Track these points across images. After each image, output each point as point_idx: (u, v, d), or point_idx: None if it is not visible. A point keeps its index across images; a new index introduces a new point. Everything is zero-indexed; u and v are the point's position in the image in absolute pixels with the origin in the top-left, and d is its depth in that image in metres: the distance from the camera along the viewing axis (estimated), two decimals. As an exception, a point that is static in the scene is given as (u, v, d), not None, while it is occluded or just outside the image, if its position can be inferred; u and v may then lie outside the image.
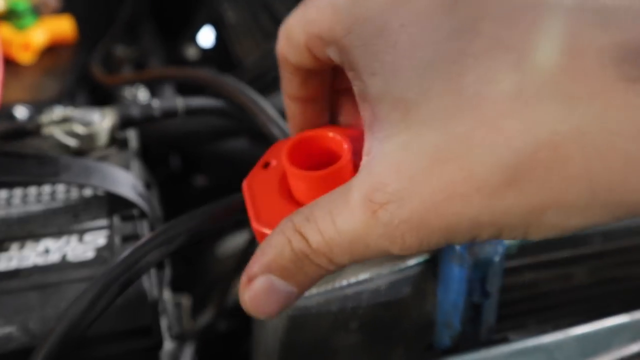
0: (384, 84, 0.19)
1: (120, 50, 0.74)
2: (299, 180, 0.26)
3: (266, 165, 0.28)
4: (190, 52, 0.89)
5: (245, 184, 0.27)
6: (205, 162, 0.77)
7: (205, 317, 0.60)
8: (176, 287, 0.58)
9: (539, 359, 0.29)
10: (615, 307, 0.37)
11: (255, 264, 0.21)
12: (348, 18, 0.20)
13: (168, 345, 0.50)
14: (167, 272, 0.39)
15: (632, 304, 0.35)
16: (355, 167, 0.27)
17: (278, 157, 0.28)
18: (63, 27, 0.72)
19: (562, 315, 0.38)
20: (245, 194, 0.27)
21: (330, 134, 0.28)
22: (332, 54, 0.22)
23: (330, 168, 0.25)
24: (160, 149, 0.72)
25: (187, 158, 0.77)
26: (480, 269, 0.28)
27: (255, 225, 0.25)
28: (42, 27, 0.71)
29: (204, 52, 0.96)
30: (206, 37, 1.03)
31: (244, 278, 0.22)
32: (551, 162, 0.15)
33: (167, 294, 0.43)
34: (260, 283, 0.21)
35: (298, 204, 0.27)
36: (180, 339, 0.54)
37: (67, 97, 0.62)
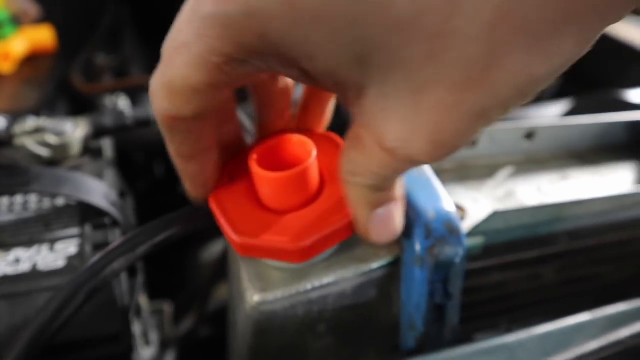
0: (325, 60, 0.20)
1: (101, 59, 0.74)
2: (268, 184, 0.27)
3: (230, 179, 0.29)
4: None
5: (211, 200, 0.28)
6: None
7: (187, 324, 0.61)
8: (158, 294, 0.58)
9: (501, 358, 0.29)
10: (584, 306, 0.38)
11: (357, 215, 0.25)
12: (270, 15, 0.19)
13: (147, 351, 0.50)
14: (140, 278, 0.40)
15: (600, 303, 0.36)
16: (320, 175, 0.28)
17: (238, 170, 0.29)
18: (43, 36, 0.73)
19: (531, 315, 0.39)
20: (215, 210, 0.27)
21: (295, 138, 0.28)
22: (252, 66, 0.21)
23: (297, 168, 0.26)
24: (144, 158, 0.72)
25: (172, 166, 0.78)
26: (441, 271, 0.29)
27: (234, 238, 0.26)
28: (21, 37, 0.71)
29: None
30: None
31: (359, 230, 0.26)
32: (512, 22, 0.17)
33: (143, 301, 0.44)
34: (373, 223, 0.25)
35: (269, 209, 0.27)
36: (162, 345, 0.54)
37: (46, 107, 0.63)
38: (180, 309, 0.63)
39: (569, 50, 0.17)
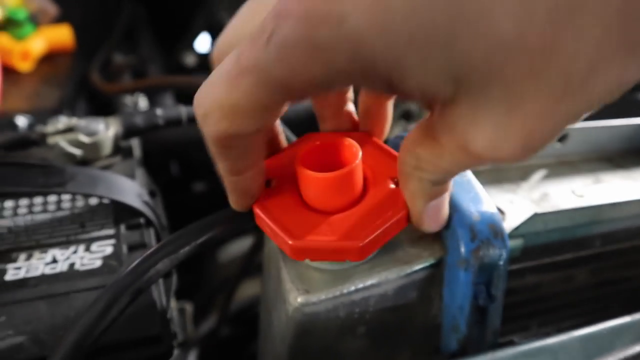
0: (419, 81, 0.20)
1: (119, 58, 0.74)
2: (317, 185, 0.27)
3: (267, 184, 0.29)
4: (189, 59, 0.90)
5: (256, 208, 0.28)
6: (204, 168, 0.78)
7: (208, 324, 0.61)
8: (178, 294, 0.58)
9: (544, 361, 0.29)
10: (616, 308, 0.38)
11: (413, 207, 0.26)
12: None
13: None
14: (174, 280, 0.39)
15: (633, 305, 0.36)
16: (365, 177, 0.28)
17: (277, 173, 0.29)
18: (61, 35, 0.72)
19: (563, 317, 0.39)
20: (261, 215, 0.27)
21: (341, 139, 0.28)
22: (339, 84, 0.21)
23: (346, 168, 0.26)
24: (161, 157, 0.72)
25: (187, 165, 0.78)
26: (485, 273, 0.28)
27: (289, 241, 0.26)
28: (40, 36, 0.71)
29: (202, 58, 0.96)
30: (203, 43, 1.04)
31: (414, 220, 0.27)
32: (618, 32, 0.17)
33: (173, 302, 0.44)
34: (427, 214, 0.26)
35: (315, 211, 0.27)
36: (184, 345, 0.54)
37: (67, 106, 0.63)
38: (199, 309, 0.63)
39: None
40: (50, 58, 0.72)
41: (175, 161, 0.78)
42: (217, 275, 0.70)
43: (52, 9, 0.75)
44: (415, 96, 0.21)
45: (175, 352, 0.51)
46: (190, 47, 1.00)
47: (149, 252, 0.27)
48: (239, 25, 0.28)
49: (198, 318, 0.63)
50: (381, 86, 0.20)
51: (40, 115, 0.57)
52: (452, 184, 0.27)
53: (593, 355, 0.29)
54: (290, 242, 0.25)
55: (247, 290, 0.65)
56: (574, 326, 0.33)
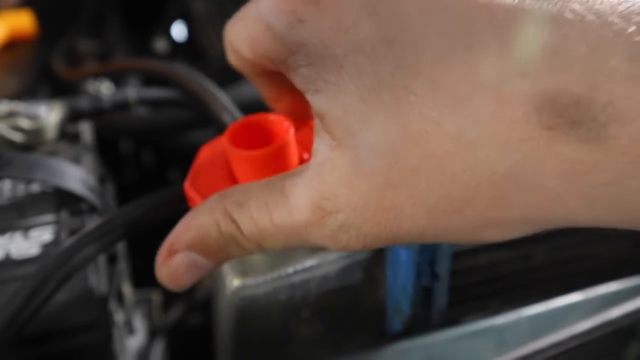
0: (327, 103, 0.20)
1: (84, 45, 0.73)
2: (240, 161, 0.26)
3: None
4: (159, 45, 0.88)
5: (187, 185, 0.27)
6: (178, 156, 0.76)
7: (176, 312, 0.60)
8: (148, 283, 0.57)
9: (489, 340, 0.28)
10: (576, 287, 0.37)
11: (178, 239, 0.22)
12: (289, 43, 0.21)
13: (133, 341, 0.49)
14: (123, 265, 0.38)
15: (592, 283, 0.35)
16: (299, 157, 0.27)
17: (210, 155, 0.28)
18: (23, 22, 0.70)
19: (522, 297, 0.38)
20: (192, 194, 0.26)
21: (272, 117, 0.27)
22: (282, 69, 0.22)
23: (270, 147, 0.25)
24: (132, 147, 0.71)
25: (160, 153, 0.77)
26: (428, 252, 0.28)
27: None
28: (0, 23, 0.69)
29: (175, 45, 0.95)
30: (179, 31, 1.02)
31: (163, 251, 0.22)
32: (491, 195, 0.18)
33: (127, 289, 0.43)
34: (181, 259, 0.22)
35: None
36: (151, 334, 0.53)
37: (27, 94, 0.61)
38: (171, 297, 0.62)
39: (523, 232, 0.19)
40: (11, 46, 0.70)
41: (149, 150, 0.76)
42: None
43: (12, -5, 0.73)
44: (314, 113, 0.21)
45: (138, 340, 0.50)
46: (162, 32, 0.98)
47: (75, 236, 0.26)
48: None
49: (170, 306, 0.63)
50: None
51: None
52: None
53: (540, 333, 0.28)
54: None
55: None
56: (526, 302, 0.32)
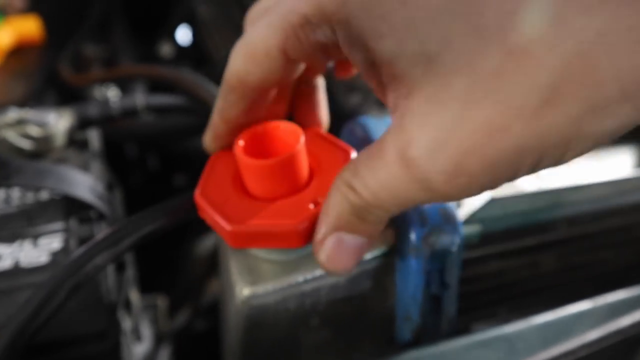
0: (397, 44, 0.19)
1: (90, 50, 0.73)
2: (250, 170, 0.26)
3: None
4: (165, 50, 0.88)
5: (197, 194, 0.27)
6: (183, 160, 0.76)
7: (182, 318, 0.60)
8: (153, 288, 0.57)
9: (499, 349, 0.28)
10: (584, 293, 0.37)
11: (322, 225, 0.22)
12: None
13: (140, 347, 0.49)
14: (130, 273, 0.39)
15: (600, 290, 0.35)
16: (310, 164, 0.27)
17: (221, 164, 0.28)
18: (29, 27, 0.71)
19: (531, 303, 0.38)
20: (202, 203, 0.26)
21: (283, 125, 0.27)
22: (323, 35, 0.22)
23: (280, 156, 0.25)
24: (137, 150, 0.71)
25: (165, 158, 0.77)
26: (437, 260, 0.28)
27: (226, 226, 0.25)
28: (7, 29, 0.69)
29: (180, 49, 0.95)
30: (183, 35, 1.02)
31: (315, 241, 0.23)
32: (582, 70, 0.16)
33: (134, 295, 0.43)
34: (331, 242, 0.22)
35: (257, 198, 0.26)
36: (157, 340, 0.53)
37: (34, 100, 0.61)
38: (176, 303, 0.62)
39: (625, 114, 0.17)
40: (18, 51, 0.70)
41: (155, 155, 0.76)
42: (193, 268, 0.69)
43: (20, 1, 0.74)
44: (383, 74, 0.20)
45: (144, 347, 0.50)
46: (167, 37, 0.98)
47: (87, 245, 0.26)
48: None
49: (175, 312, 0.63)
50: (357, 50, 0.21)
51: (5, 109, 0.55)
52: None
53: (551, 342, 0.28)
54: (228, 227, 0.24)
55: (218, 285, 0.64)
56: (536, 310, 0.32)
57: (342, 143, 0.27)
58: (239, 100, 0.26)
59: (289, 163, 0.25)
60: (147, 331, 0.53)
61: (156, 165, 0.78)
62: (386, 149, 0.20)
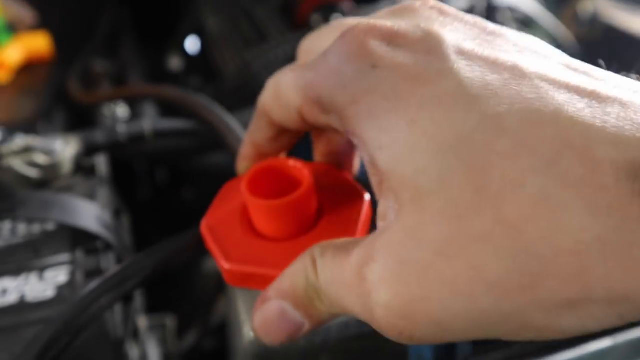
0: (393, 161, 0.18)
1: (99, 65, 0.73)
2: (260, 211, 0.25)
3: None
4: (174, 63, 0.88)
5: (203, 225, 0.26)
6: (192, 175, 0.76)
7: (191, 337, 0.59)
8: (162, 308, 0.57)
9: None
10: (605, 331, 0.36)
11: (271, 287, 0.22)
12: (356, 89, 0.19)
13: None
14: (138, 302, 0.38)
15: (618, 328, 0.34)
16: (319, 203, 0.26)
17: (233, 194, 0.27)
18: (39, 44, 0.71)
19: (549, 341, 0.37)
20: (207, 235, 0.26)
21: (291, 163, 0.27)
22: (332, 120, 0.22)
23: (288, 197, 0.24)
24: (145, 164, 0.71)
25: (174, 171, 0.76)
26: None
27: (225, 265, 0.24)
28: (17, 45, 0.69)
29: (188, 61, 0.95)
30: (192, 45, 1.02)
31: (260, 298, 0.22)
32: (572, 269, 0.15)
33: (141, 321, 0.42)
34: (272, 307, 0.21)
35: (262, 237, 0.26)
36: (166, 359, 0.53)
37: (43, 117, 0.61)
38: (184, 322, 0.61)
39: (606, 317, 0.16)
40: (28, 67, 0.70)
41: (163, 167, 0.76)
42: (202, 287, 0.69)
43: (30, 17, 0.74)
44: (381, 172, 0.19)
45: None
46: (176, 50, 0.99)
47: (92, 286, 0.26)
48: (324, 34, 0.27)
49: (184, 331, 0.62)
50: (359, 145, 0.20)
51: (14, 128, 0.55)
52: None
53: (570, 382, 0.27)
54: (226, 266, 0.24)
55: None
56: (555, 347, 0.31)
57: (357, 184, 0.27)
58: (267, 128, 0.26)
59: (293, 205, 0.24)
60: (154, 351, 0.53)
61: (165, 179, 0.77)
62: (354, 251, 0.19)
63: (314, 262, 0.20)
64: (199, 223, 0.27)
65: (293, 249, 0.24)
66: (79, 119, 0.67)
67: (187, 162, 0.66)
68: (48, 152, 0.36)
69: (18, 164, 0.36)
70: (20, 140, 0.37)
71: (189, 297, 0.67)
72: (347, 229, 0.25)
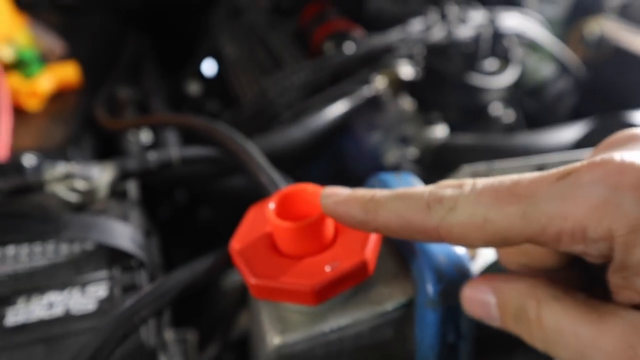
0: None
1: (123, 92, 0.77)
2: (283, 232, 0.28)
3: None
4: (192, 89, 0.93)
5: (232, 245, 0.29)
6: (209, 196, 0.80)
7: (211, 351, 0.62)
8: (182, 322, 0.60)
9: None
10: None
11: (485, 280, 0.26)
12: (635, 217, 0.20)
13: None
14: (167, 315, 0.41)
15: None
16: (335, 226, 0.30)
17: (257, 217, 0.31)
18: (69, 73, 0.75)
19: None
20: (235, 254, 0.29)
21: (310, 188, 0.30)
22: (594, 249, 0.21)
23: (307, 219, 0.28)
24: (167, 186, 0.74)
25: (193, 192, 0.80)
26: (453, 312, 0.30)
27: (251, 280, 0.28)
28: (48, 75, 0.74)
29: (206, 84, 0.99)
30: (209, 68, 1.07)
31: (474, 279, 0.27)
32: None
33: (168, 335, 0.45)
34: (477, 294, 0.26)
35: (284, 255, 0.29)
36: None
37: (73, 143, 0.65)
38: (205, 336, 0.64)
39: None
40: (58, 96, 0.75)
41: (182, 189, 0.80)
42: (222, 301, 0.72)
43: (60, 47, 0.78)
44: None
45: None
46: (194, 74, 1.03)
47: (134, 300, 0.29)
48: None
49: (204, 345, 0.65)
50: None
51: (48, 153, 0.59)
52: None
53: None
54: (251, 280, 0.27)
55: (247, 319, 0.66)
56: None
57: None
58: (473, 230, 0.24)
59: (311, 227, 0.28)
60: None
61: (183, 200, 0.81)
62: (612, 320, 0.20)
63: (539, 302, 0.22)
64: (220, 242, 0.30)
65: (311, 266, 0.28)
66: (106, 143, 0.71)
67: (205, 185, 0.69)
68: (87, 179, 0.40)
69: (61, 190, 0.39)
70: (61, 168, 0.41)
71: (209, 312, 0.70)
72: (358, 249, 0.28)
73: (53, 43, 0.78)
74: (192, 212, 0.83)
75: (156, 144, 0.71)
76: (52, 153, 0.60)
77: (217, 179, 0.60)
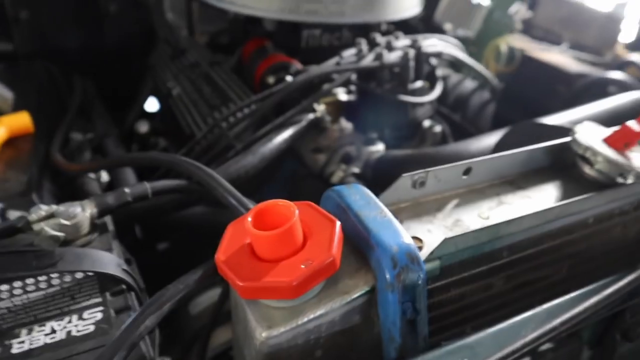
0: None
1: (77, 137, 0.80)
2: (261, 241, 0.34)
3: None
4: (142, 128, 0.96)
5: (217, 257, 0.35)
6: (166, 228, 0.83)
7: (188, 372, 0.66)
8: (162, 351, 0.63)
9: (463, 356, 0.36)
10: (534, 306, 0.46)
11: None
12: None
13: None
14: (157, 334, 0.45)
15: (547, 301, 0.44)
16: (304, 233, 0.36)
17: (236, 232, 0.36)
18: (21, 122, 0.78)
19: (493, 319, 0.46)
20: (220, 264, 0.34)
21: (281, 202, 0.36)
22: None
23: (280, 228, 0.33)
24: (127, 221, 0.77)
25: (149, 226, 0.83)
26: (408, 292, 0.36)
27: (239, 283, 0.33)
28: (1, 124, 0.76)
29: (154, 122, 1.03)
30: (152, 105, 1.11)
31: None
32: None
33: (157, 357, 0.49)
34: None
35: (264, 260, 0.35)
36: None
37: (34, 187, 0.67)
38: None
39: None
40: (11, 142, 0.76)
41: (139, 225, 0.83)
42: (190, 327, 0.75)
43: (11, 97, 0.80)
44: None
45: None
46: (140, 113, 1.07)
47: (138, 312, 0.34)
48: None
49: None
50: None
51: (11, 200, 0.62)
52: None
53: (504, 345, 0.37)
54: (239, 283, 0.32)
55: (219, 337, 0.70)
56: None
57: (328, 215, 0.36)
58: None
59: (287, 232, 0.34)
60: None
61: (140, 234, 0.84)
62: None
63: None
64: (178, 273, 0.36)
65: (288, 266, 0.33)
66: (65, 185, 0.73)
67: (163, 218, 0.73)
68: (70, 217, 0.44)
69: (47, 227, 0.43)
70: (44, 208, 0.44)
71: (180, 338, 0.74)
72: (326, 248, 0.34)
73: (5, 93, 0.80)
74: (150, 246, 0.86)
75: (114, 183, 0.74)
76: (16, 199, 0.62)
77: (178, 209, 0.65)
